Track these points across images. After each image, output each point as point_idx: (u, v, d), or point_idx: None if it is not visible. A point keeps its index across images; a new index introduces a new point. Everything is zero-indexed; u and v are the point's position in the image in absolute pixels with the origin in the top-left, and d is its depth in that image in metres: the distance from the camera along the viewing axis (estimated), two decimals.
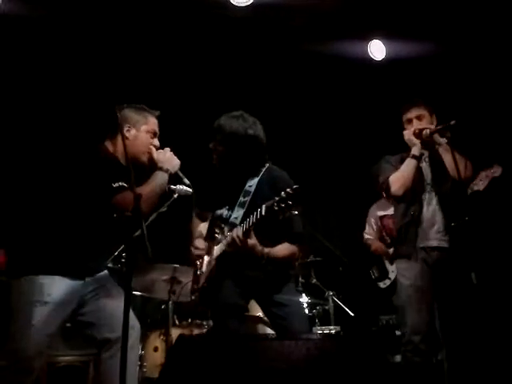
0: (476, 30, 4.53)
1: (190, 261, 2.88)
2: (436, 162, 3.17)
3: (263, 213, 2.41)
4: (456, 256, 3.02)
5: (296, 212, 2.43)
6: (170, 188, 3.57)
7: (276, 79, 4.72)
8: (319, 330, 4.15)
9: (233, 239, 2.52)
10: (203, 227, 2.96)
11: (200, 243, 2.82)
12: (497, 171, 3.43)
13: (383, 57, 4.84)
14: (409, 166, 3.09)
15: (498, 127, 4.53)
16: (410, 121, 3.20)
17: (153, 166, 2.52)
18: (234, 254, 2.59)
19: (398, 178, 3.09)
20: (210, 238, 2.82)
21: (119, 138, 2.50)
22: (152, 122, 2.60)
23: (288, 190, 2.33)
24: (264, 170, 2.76)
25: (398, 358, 3.54)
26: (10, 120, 4.35)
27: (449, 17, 4.52)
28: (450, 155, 3.05)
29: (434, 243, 3.07)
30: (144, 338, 3.82)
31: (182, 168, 2.63)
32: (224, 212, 2.76)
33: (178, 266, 3.69)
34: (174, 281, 3.73)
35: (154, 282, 3.77)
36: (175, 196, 3.57)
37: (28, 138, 4.34)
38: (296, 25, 4.62)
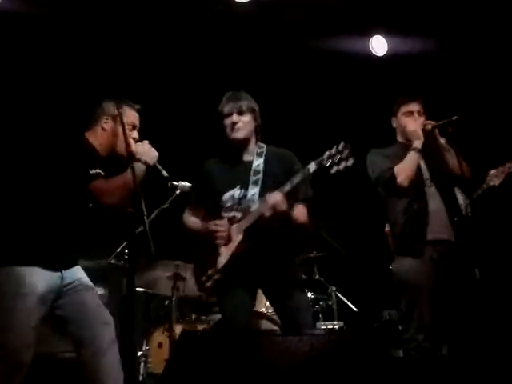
0: (478, 25, 4.52)
1: (208, 241, 2.73)
2: (431, 158, 3.14)
3: (311, 170, 2.48)
4: (460, 251, 3.00)
5: (350, 164, 2.44)
6: (172, 184, 3.59)
7: (277, 75, 4.71)
8: (323, 326, 4.15)
9: (275, 201, 2.51)
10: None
11: (216, 222, 2.71)
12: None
13: (384, 52, 4.84)
14: (412, 158, 3.04)
15: (500, 124, 4.53)
16: (411, 113, 3.17)
17: (131, 159, 2.50)
18: (263, 225, 2.59)
19: (403, 170, 3.03)
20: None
21: (98, 130, 2.55)
22: (131, 115, 2.61)
23: (339, 145, 2.45)
24: (264, 150, 2.82)
25: (401, 353, 3.54)
26: None
27: (450, 12, 4.51)
28: (451, 154, 3.07)
29: (441, 236, 3.03)
30: (148, 335, 3.84)
31: (167, 161, 2.64)
32: (236, 192, 2.74)
33: (180, 262, 3.70)
34: (177, 277, 3.74)
35: (157, 278, 3.79)
36: (177, 192, 3.59)
37: (3, 126, 4.32)
38: (297, 20, 4.61)
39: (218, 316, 3.97)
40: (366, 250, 4.82)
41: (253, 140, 2.84)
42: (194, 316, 4.01)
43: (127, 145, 2.49)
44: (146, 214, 2.19)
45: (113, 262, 3.80)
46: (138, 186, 2.34)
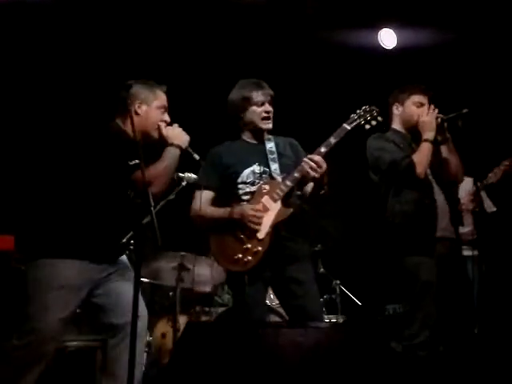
0: (488, 18, 4.48)
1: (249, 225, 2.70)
2: (435, 154, 3.08)
3: (349, 127, 2.74)
4: (460, 248, 2.99)
5: (380, 120, 2.81)
6: (178, 175, 3.58)
7: (286, 67, 4.69)
8: (326, 319, 4.16)
9: (318, 159, 2.61)
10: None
11: (249, 205, 2.72)
12: (509, 164, 3.41)
13: (394, 45, 4.81)
14: (428, 149, 2.99)
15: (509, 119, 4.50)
16: (422, 104, 3.13)
17: (163, 142, 2.51)
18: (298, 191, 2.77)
19: (423, 161, 2.98)
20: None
21: (129, 115, 2.49)
22: (162, 98, 2.58)
23: (366, 106, 2.80)
24: (271, 136, 2.90)
25: (400, 347, 3.53)
26: (18, 104, 4.35)
27: (459, 5, 4.47)
28: (453, 154, 3.04)
29: (449, 234, 3.03)
30: (152, 325, 3.85)
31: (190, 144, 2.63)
32: (255, 168, 2.79)
33: (185, 253, 3.70)
34: (181, 268, 3.74)
35: (162, 269, 3.79)
36: (183, 184, 3.59)
37: (38, 121, 4.33)
38: (307, 13, 4.59)
39: (222, 308, 3.99)
40: (370, 243, 4.81)
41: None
42: (197, 307, 4.02)
43: (160, 129, 2.50)
44: (153, 204, 2.19)
45: None
46: (174, 170, 2.41)
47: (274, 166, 2.79)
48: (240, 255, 2.67)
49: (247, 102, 2.81)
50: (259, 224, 2.67)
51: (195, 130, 2.70)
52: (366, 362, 2.11)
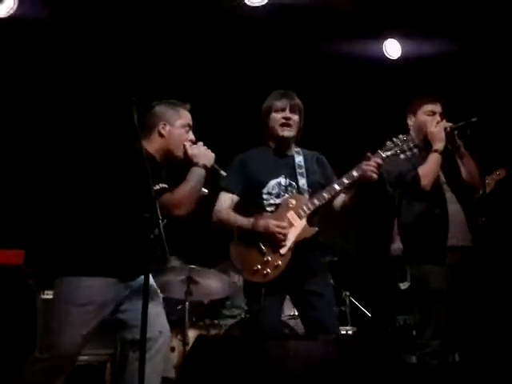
0: (492, 28, 4.48)
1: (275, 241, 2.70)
2: (447, 161, 3.08)
3: (383, 155, 2.72)
4: (478, 256, 2.96)
5: (415, 151, 2.80)
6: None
7: (292, 79, 4.70)
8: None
9: (372, 165, 2.67)
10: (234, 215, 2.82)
11: (276, 221, 2.69)
12: (501, 173, 3.40)
13: (398, 56, 4.82)
14: (436, 161, 2.99)
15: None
16: (434, 113, 3.13)
17: (188, 162, 2.49)
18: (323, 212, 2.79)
19: (428, 172, 2.97)
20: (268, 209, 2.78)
21: (155, 136, 2.49)
22: (186, 116, 2.57)
23: (400, 136, 2.77)
24: (301, 150, 2.92)
25: (414, 358, 3.50)
26: (42, 122, 4.39)
27: (464, 15, 4.48)
28: (468, 158, 3.03)
29: (461, 243, 2.99)
30: None
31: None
32: (282, 180, 2.79)
33: (194, 266, 3.70)
34: (190, 281, 3.73)
35: (170, 282, 3.78)
36: None
37: (66, 138, 4.38)
38: (311, 24, 4.61)
39: (231, 321, 3.97)
40: (379, 255, 4.79)
41: (295, 139, 2.92)
42: (207, 320, 4.01)
43: (185, 148, 2.49)
44: (161, 218, 2.19)
45: None
46: (200, 191, 2.39)
47: (302, 181, 2.79)
48: (259, 266, 2.66)
49: (270, 109, 2.86)
50: (284, 240, 2.66)
51: (220, 145, 2.69)
52: (377, 374, 2.09)
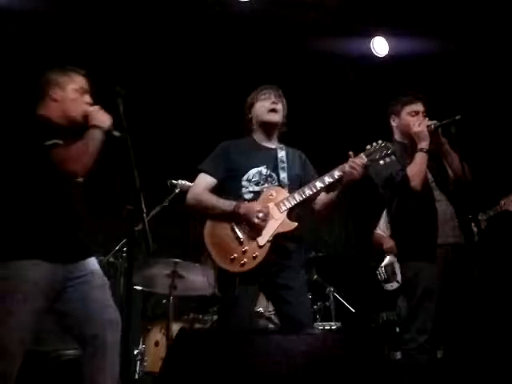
0: (479, 26, 4.52)
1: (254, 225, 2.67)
2: (433, 160, 3.10)
3: (365, 160, 2.70)
4: (467, 253, 2.98)
5: (393, 158, 2.78)
6: (171, 183, 3.58)
7: (277, 76, 4.70)
8: (320, 326, 4.14)
9: (355, 165, 2.68)
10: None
11: (256, 206, 2.68)
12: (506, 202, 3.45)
13: (386, 53, 4.84)
14: (423, 160, 3.00)
15: (502, 125, 4.53)
16: (416, 113, 3.15)
17: (87, 125, 2.48)
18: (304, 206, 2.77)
19: (417, 172, 2.99)
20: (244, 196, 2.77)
21: (48, 101, 2.50)
22: (78, 80, 2.57)
23: (379, 142, 2.73)
24: (283, 146, 2.92)
25: (399, 354, 3.53)
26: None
27: (452, 13, 4.51)
28: (453, 155, 3.06)
29: (451, 240, 3.02)
30: (145, 333, 3.83)
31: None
32: (263, 170, 2.79)
33: (178, 260, 3.69)
34: (175, 275, 3.72)
35: (155, 276, 3.76)
36: (177, 191, 3.58)
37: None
38: (298, 21, 4.61)
39: (216, 316, 3.97)
40: (364, 251, 4.82)
41: (276, 133, 2.92)
42: (191, 315, 4.00)
43: (84, 110, 2.48)
44: (145, 211, 2.18)
45: (111, 259, 3.78)
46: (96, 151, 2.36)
47: (283, 175, 2.79)
48: (236, 255, 2.63)
49: (255, 99, 2.89)
50: (263, 226, 2.64)
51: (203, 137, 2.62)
52: (360, 369, 2.11)
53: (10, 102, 3.79)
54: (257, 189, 2.76)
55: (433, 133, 3.05)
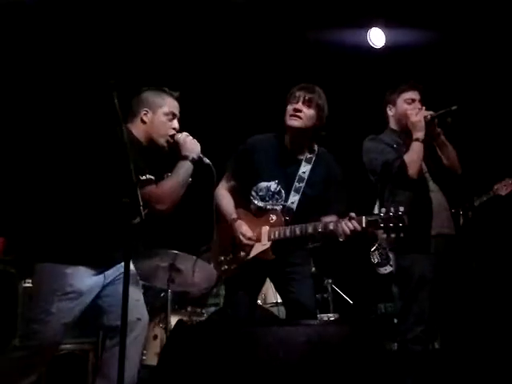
0: (476, 17, 4.51)
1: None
2: (428, 149, 3.08)
3: (364, 225, 2.51)
4: (461, 243, 2.99)
5: (402, 236, 2.51)
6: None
7: (274, 67, 4.70)
8: (318, 318, 4.15)
9: (350, 230, 2.53)
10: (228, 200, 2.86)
11: (248, 231, 2.73)
12: None
13: (382, 45, 4.83)
14: (419, 149, 2.98)
15: (499, 116, 4.53)
16: (413, 100, 3.14)
17: (174, 150, 2.45)
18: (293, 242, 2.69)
19: (415, 161, 2.97)
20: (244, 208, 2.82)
21: (138, 122, 2.46)
22: (171, 104, 2.51)
23: (399, 211, 2.48)
24: (314, 156, 2.82)
25: (395, 346, 3.54)
26: (22, 107, 4.31)
27: (448, 4, 4.49)
28: (447, 146, 3.05)
29: (445, 230, 3.02)
30: None
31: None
32: (272, 185, 2.75)
33: (177, 252, 3.68)
34: (172, 268, 3.72)
35: (154, 269, 3.76)
36: None
37: (45, 123, 4.31)
38: (295, 12, 4.59)
39: (213, 309, 3.98)
40: (361, 243, 4.82)
41: (307, 138, 2.82)
42: (189, 308, 4.01)
43: (170, 137, 2.45)
44: (141, 203, 2.17)
45: None
46: (186, 185, 2.34)
47: (294, 198, 2.74)
48: (222, 258, 2.74)
49: (287, 100, 2.82)
50: (249, 247, 2.71)
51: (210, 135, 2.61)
52: (359, 360, 2.11)
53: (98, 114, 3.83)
54: (261, 204, 2.76)
55: (429, 123, 3.05)
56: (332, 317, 4.19)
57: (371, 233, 2.72)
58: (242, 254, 2.72)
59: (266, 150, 2.82)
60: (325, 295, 4.38)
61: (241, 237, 2.70)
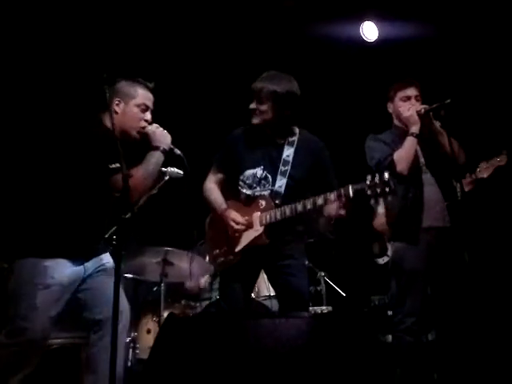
0: (469, 10, 4.50)
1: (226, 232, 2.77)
2: (426, 143, 3.12)
3: (351, 195, 2.48)
4: (454, 236, 3.01)
5: (389, 200, 2.55)
6: (160, 170, 3.56)
7: (267, 60, 4.68)
8: (311, 310, 4.17)
9: (343, 201, 2.52)
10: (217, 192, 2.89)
11: (238, 217, 2.74)
12: (502, 160, 3.44)
13: (375, 38, 4.82)
14: (411, 144, 3.02)
15: (491, 111, 4.54)
16: (408, 98, 3.16)
17: (145, 141, 2.46)
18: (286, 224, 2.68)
19: (404, 157, 3.01)
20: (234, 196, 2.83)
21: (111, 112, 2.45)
22: (143, 95, 2.50)
23: (383, 176, 2.44)
24: (296, 138, 2.83)
25: (390, 337, 3.56)
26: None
27: None
28: (446, 138, 3.06)
29: (437, 223, 3.05)
30: (136, 321, 3.83)
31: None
32: (258, 172, 2.77)
33: (169, 248, 3.68)
34: (165, 263, 3.72)
35: (146, 264, 3.76)
36: (166, 178, 3.56)
37: (18, 117, 4.27)
38: (288, 6, 4.58)
39: (207, 302, 3.98)
40: (355, 236, 4.83)
41: (278, 126, 2.82)
42: (183, 302, 4.01)
43: (142, 128, 2.45)
44: (131, 197, 2.17)
45: None
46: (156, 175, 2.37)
47: (281, 182, 2.74)
48: (218, 251, 2.75)
49: None
50: (241, 235, 2.72)
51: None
52: (351, 352, 2.12)
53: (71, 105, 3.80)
54: (249, 192, 2.78)
55: (424, 117, 3.07)
56: (325, 309, 4.20)
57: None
58: (238, 243, 2.72)
59: (248, 139, 2.85)
60: (318, 288, 4.39)
61: (232, 223, 2.71)
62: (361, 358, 2.13)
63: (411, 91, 3.17)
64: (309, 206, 2.61)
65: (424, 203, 3.04)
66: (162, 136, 2.47)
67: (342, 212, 2.58)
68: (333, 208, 2.58)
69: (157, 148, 2.43)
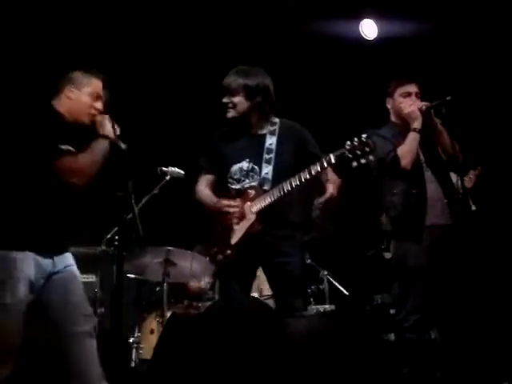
0: (468, 7, 4.50)
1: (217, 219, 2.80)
2: (425, 140, 3.12)
3: (333, 161, 2.52)
4: (456, 233, 3.02)
5: (371, 159, 2.54)
6: (161, 170, 3.56)
7: (266, 58, 4.68)
8: (314, 309, 4.17)
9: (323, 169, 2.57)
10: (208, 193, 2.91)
11: (231, 202, 2.76)
12: (480, 172, 3.52)
13: (375, 36, 4.82)
14: (414, 140, 3.03)
15: (489, 107, 4.54)
16: (409, 94, 3.16)
17: (95, 129, 2.49)
18: (278, 207, 2.69)
19: (407, 152, 3.02)
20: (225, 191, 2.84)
21: (63, 98, 2.50)
22: (95, 85, 2.56)
23: (361, 137, 2.47)
24: (277, 127, 2.85)
25: (392, 336, 3.56)
26: None
27: None
28: (445, 135, 3.07)
29: (440, 221, 3.05)
30: (140, 321, 3.83)
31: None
32: (244, 165, 2.78)
33: (171, 248, 3.68)
34: (167, 263, 3.71)
35: (148, 264, 3.75)
36: (167, 178, 3.56)
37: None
38: (287, 4, 4.58)
39: (210, 302, 3.97)
40: (358, 234, 4.83)
41: (255, 117, 2.84)
42: (186, 302, 4.01)
43: (92, 116, 2.48)
44: (133, 197, 2.17)
45: (103, 248, 3.78)
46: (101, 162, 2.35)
47: (267, 169, 2.76)
48: (215, 249, 2.76)
49: None
50: (235, 227, 2.73)
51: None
52: (354, 351, 2.12)
53: (26, 92, 3.76)
54: (238, 186, 2.79)
55: (424, 114, 3.07)
56: (328, 308, 4.20)
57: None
58: (233, 236, 2.73)
59: (229, 136, 2.88)
60: (320, 287, 4.38)
61: (226, 208, 2.74)
62: (364, 356, 2.13)
63: (412, 88, 3.18)
64: (295, 183, 2.62)
65: (428, 199, 3.04)
66: (110, 127, 2.50)
67: (334, 191, 2.64)
68: (323, 186, 2.64)
69: (104, 137, 2.46)
